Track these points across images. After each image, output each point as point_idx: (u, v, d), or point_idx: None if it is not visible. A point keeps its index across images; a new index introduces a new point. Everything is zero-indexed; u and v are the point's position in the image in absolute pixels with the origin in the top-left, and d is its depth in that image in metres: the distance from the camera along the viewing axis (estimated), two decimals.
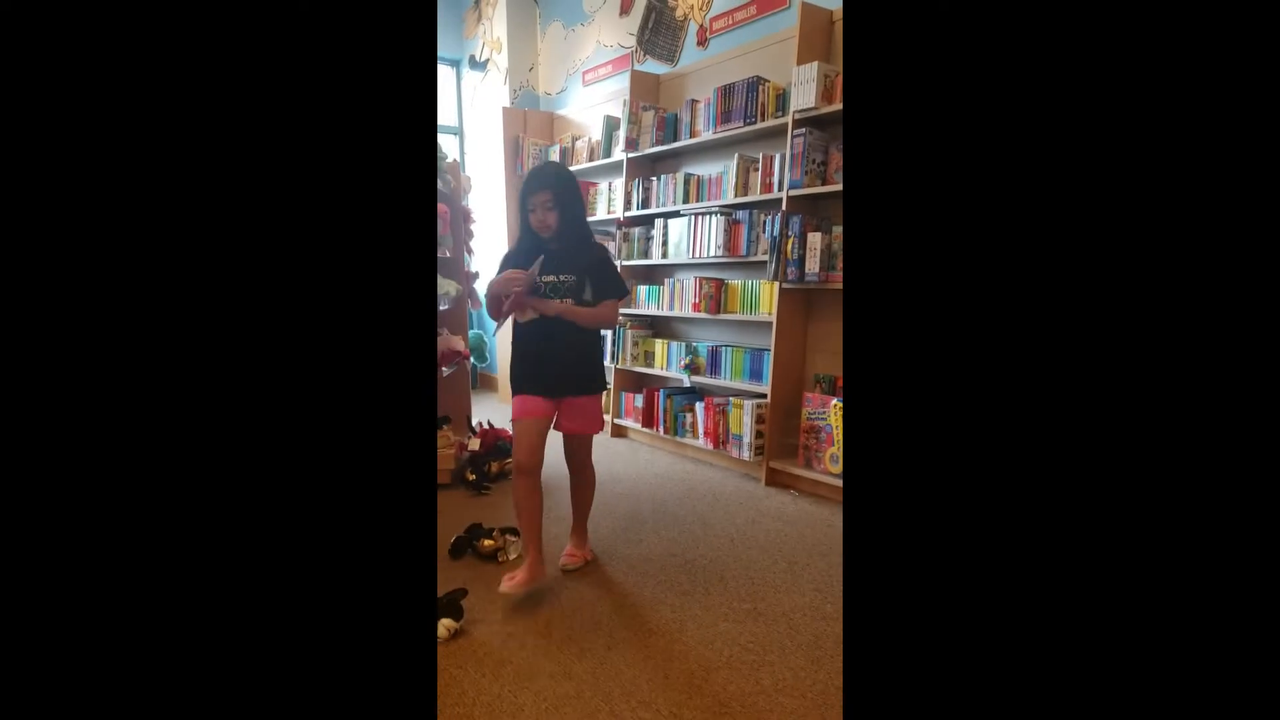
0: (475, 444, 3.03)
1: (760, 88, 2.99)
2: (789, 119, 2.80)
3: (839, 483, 2.66)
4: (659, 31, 3.85)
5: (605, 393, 1.77)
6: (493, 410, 4.50)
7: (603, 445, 3.65)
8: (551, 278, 1.82)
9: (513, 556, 2.13)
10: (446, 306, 3.08)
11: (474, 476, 2.84)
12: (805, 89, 2.70)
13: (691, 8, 3.63)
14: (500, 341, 4.88)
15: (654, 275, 3.80)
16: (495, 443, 3.07)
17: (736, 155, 3.10)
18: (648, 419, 3.58)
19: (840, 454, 2.67)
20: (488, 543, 2.14)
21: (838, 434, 2.66)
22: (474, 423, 3.30)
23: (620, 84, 4.02)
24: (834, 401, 2.68)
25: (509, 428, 3.31)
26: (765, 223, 2.98)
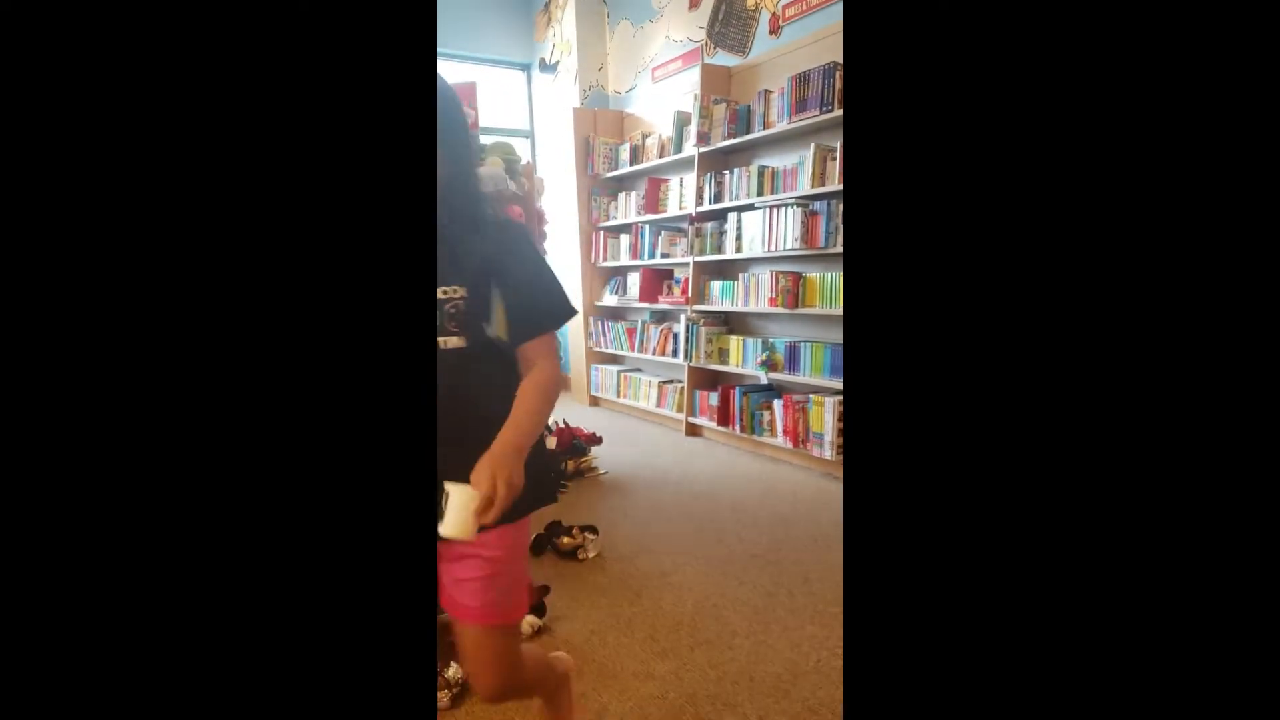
0: (551, 442, 3.06)
1: (838, 73, 2.89)
2: None
3: None
4: (729, 23, 3.79)
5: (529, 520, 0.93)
6: (567, 409, 4.54)
7: (678, 444, 3.62)
8: None
9: (592, 555, 2.13)
10: None
11: (552, 475, 2.86)
12: None
13: None
14: (573, 340, 4.92)
15: (728, 270, 3.74)
16: (571, 441, 3.09)
17: (813, 145, 3.01)
18: (723, 418, 3.52)
19: None
20: (567, 540, 2.14)
21: None
22: (549, 422, 3.33)
23: (690, 78, 3.97)
24: None
25: (583, 426, 3.33)
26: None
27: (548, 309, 0.89)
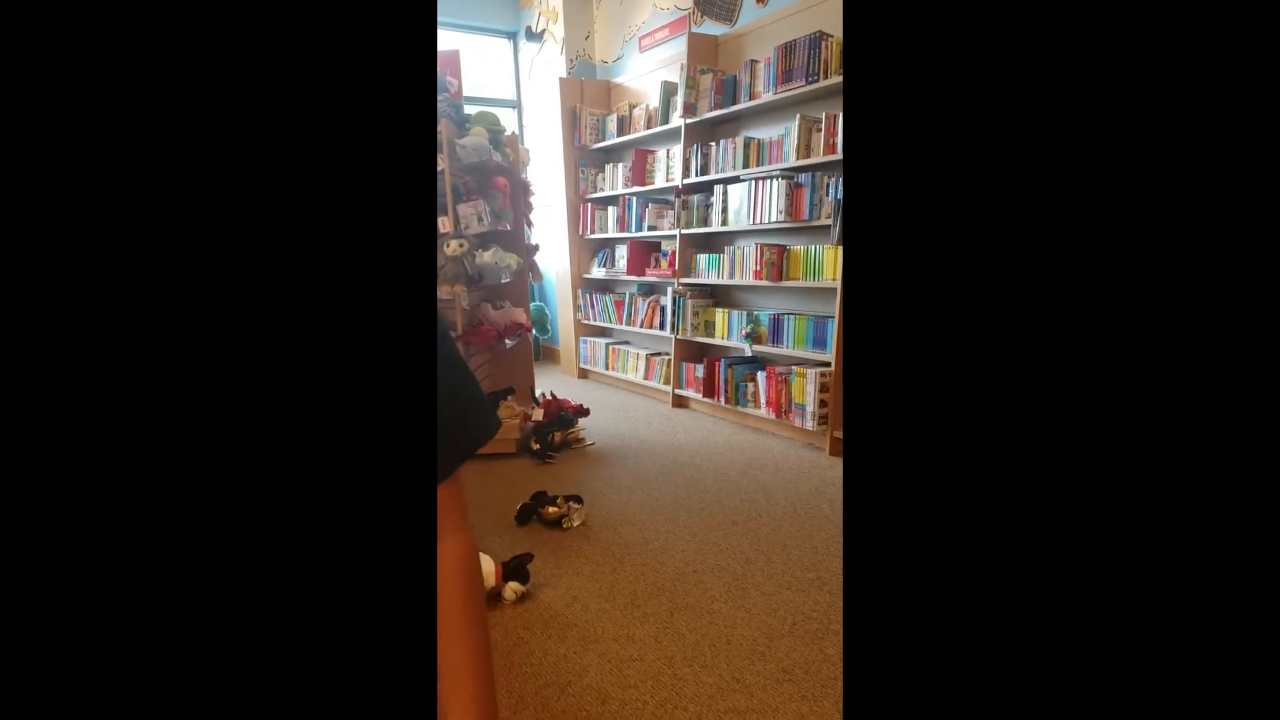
0: (539, 414, 3.09)
1: (823, 43, 2.87)
2: None
3: None
4: None
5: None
6: (555, 381, 4.57)
7: (664, 416, 3.66)
8: None
9: (576, 523, 2.17)
10: (508, 280, 3.12)
11: (538, 446, 2.90)
12: None
13: None
14: (562, 313, 4.93)
15: (714, 243, 3.75)
16: (558, 413, 3.12)
17: (798, 116, 3.00)
18: (708, 389, 3.56)
19: None
20: (552, 509, 2.18)
21: None
22: (537, 394, 3.36)
23: (677, 48, 3.93)
24: None
25: (571, 398, 3.36)
26: (829, 185, 2.88)
27: (451, 440, 0.55)
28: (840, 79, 2.80)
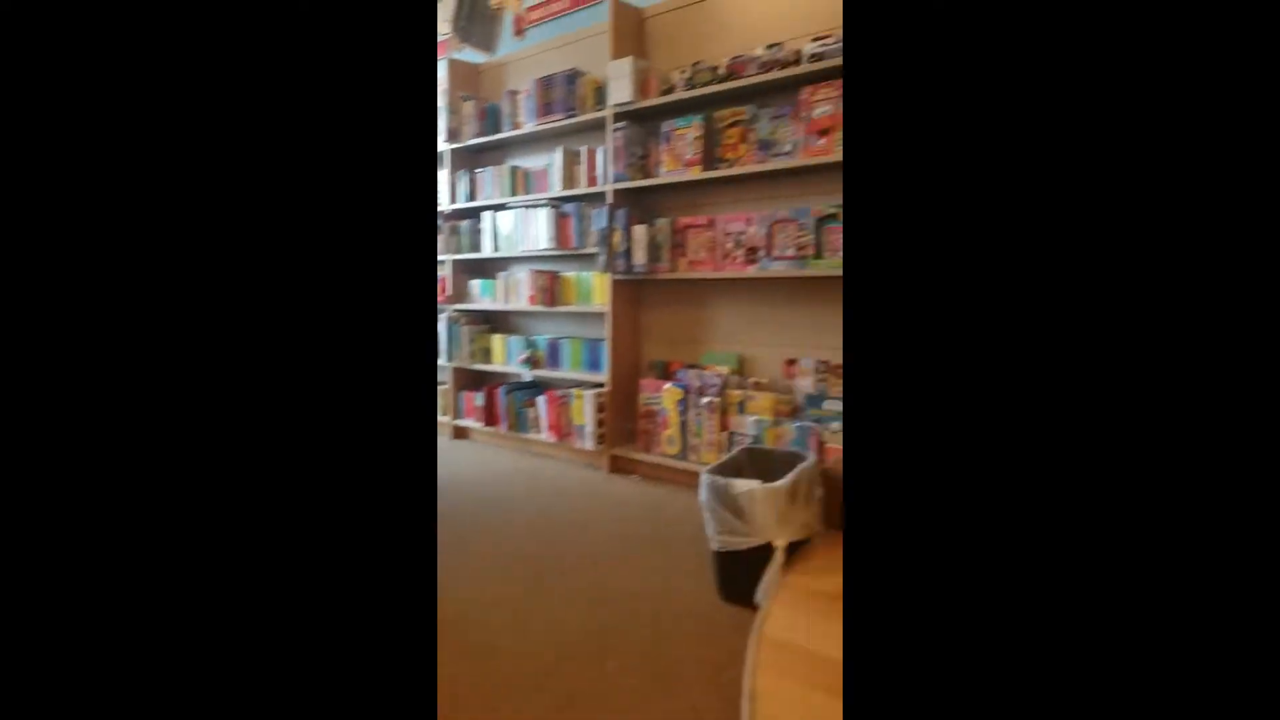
0: None
1: (579, 80, 3.01)
2: (608, 113, 2.85)
3: (677, 464, 2.78)
4: (474, 19, 3.74)
5: None
6: None
7: (444, 449, 3.54)
8: None
9: None
10: None
11: None
12: (621, 84, 2.75)
13: None
14: None
15: (487, 269, 3.72)
16: None
17: (561, 148, 3.10)
18: (489, 417, 3.51)
19: (676, 436, 2.79)
20: None
21: (673, 417, 2.77)
22: None
23: (439, 72, 3.86)
24: (666, 386, 2.79)
25: None
26: (593, 215, 3.01)
27: None
28: (595, 115, 2.95)
